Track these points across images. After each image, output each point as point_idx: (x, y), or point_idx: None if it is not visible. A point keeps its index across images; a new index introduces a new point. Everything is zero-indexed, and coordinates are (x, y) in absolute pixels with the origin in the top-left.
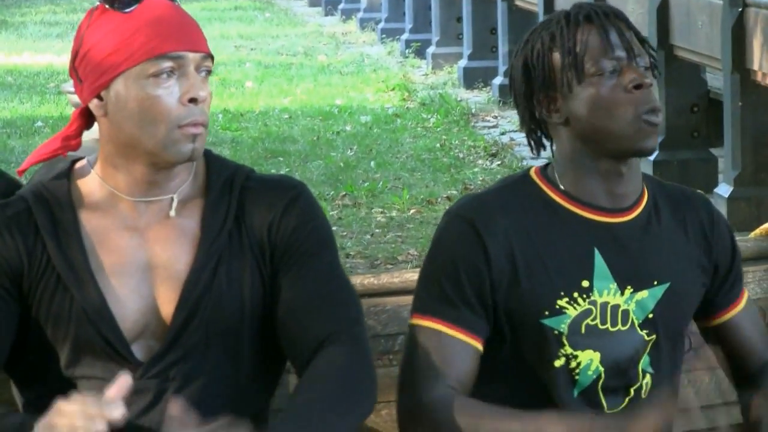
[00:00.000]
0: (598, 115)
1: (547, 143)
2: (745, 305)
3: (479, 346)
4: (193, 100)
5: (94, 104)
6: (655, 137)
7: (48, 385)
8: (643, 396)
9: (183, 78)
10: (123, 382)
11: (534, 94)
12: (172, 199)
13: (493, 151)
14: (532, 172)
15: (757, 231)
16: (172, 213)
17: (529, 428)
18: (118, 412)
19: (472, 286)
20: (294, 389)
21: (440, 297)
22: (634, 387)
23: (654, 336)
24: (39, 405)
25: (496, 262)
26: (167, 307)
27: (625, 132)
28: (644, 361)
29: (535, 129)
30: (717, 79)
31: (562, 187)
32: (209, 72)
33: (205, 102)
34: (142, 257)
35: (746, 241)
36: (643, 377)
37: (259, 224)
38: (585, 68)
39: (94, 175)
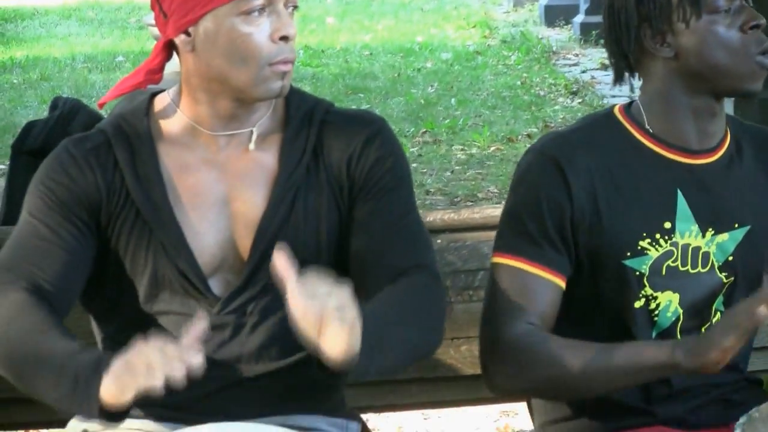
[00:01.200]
0: (713, 53)
1: (633, 82)
2: None
3: (561, 284)
4: (284, 38)
5: (180, 39)
6: (762, 79)
7: (125, 320)
8: None
9: (273, 15)
10: (201, 324)
11: (641, 26)
12: (251, 132)
13: (574, 89)
14: (617, 111)
15: None
16: (252, 146)
17: (623, 357)
18: (197, 359)
19: (555, 223)
20: (371, 301)
21: (522, 235)
22: (705, 326)
23: (732, 278)
24: (117, 339)
25: (579, 200)
26: (245, 241)
27: (737, 71)
28: (718, 301)
29: (626, 62)
30: None
31: (647, 126)
32: (295, 8)
33: (294, 39)
34: (220, 191)
35: None
36: (714, 316)
37: (338, 158)
38: (704, 4)
39: (175, 108)
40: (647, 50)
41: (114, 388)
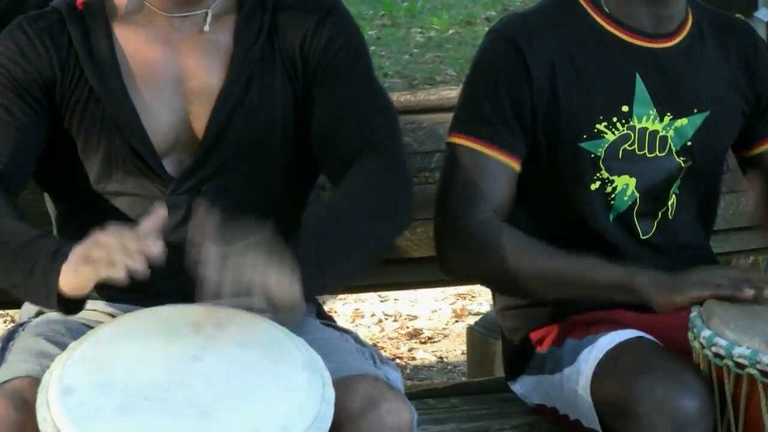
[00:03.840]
0: None
1: None
2: None
3: (516, 167)
4: None
5: None
6: None
7: (79, 200)
8: (669, 217)
9: None
10: (159, 213)
11: None
12: (206, 13)
13: None
14: None
15: None
16: (206, 28)
17: (579, 268)
18: (157, 248)
19: (513, 105)
20: (330, 196)
21: (479, 116)
22: (662, 210)
23: (690, 162)
24: (71, 220)
25: (537, 81)
26: (199, 121)
27: None
28: (675, 185)
29: None
30: None
31: (606, 9)
32: None
33: None
34: (174, 71)
35: None
36: (670, 199)
37: (292, 39)
38: None
39: None
40: None
41: (72, 279)
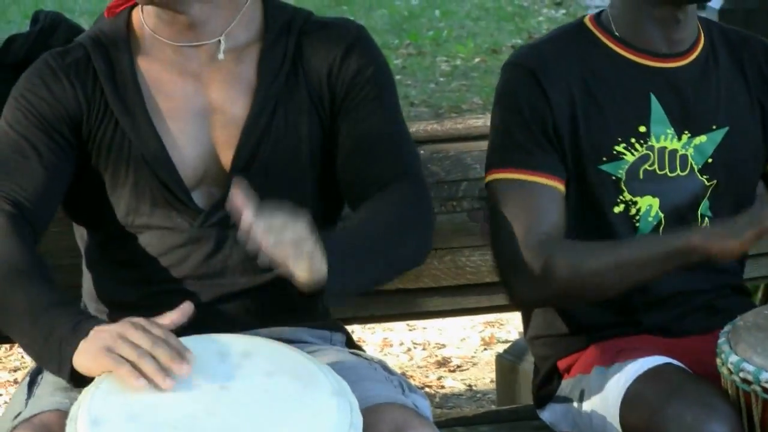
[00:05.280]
0: None
1: None
2: None
3: (560, 187)
4: None
5: None
6: None
7: (108, 234)
8: None
9: None
10: (185, 309)
11: None
12: (219, 42)
13: (558, 1)
14: (587, 20)
15: None
16: (220, 56)
17: (639, 248)
18: (186, 371)
19: (541, 130)
20: (360, 210)
21: (514, 146)
22: None
23: (715, 181)
24: (101, 253)
25: (558, 107)
26: (226, 153)
27: None
28: (703, 206)
29: None
30: None
31: (617, 33)
32: None
33: None
34: (199, 103)
35: None
36: (702, 221)
37: (318, 68)
38: None
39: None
40: None
41: (88, 362)
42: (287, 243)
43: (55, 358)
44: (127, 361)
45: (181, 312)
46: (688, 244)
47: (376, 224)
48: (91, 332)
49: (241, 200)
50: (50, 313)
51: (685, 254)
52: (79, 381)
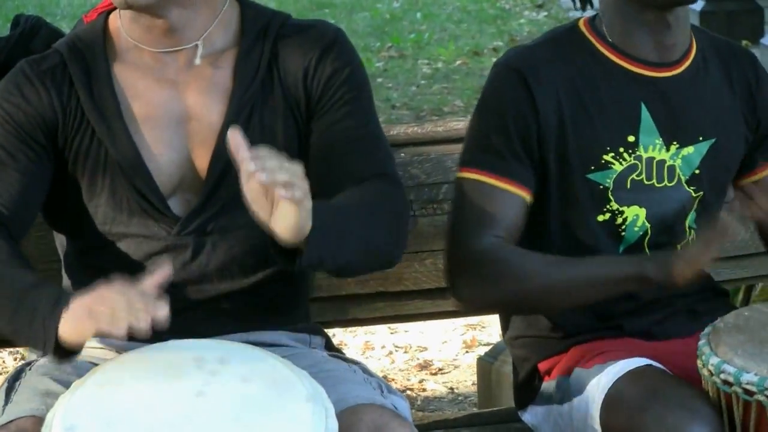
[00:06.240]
0: None
1: None
2: None
3: (527, 198)
4: None
5: None
6: None
7: (86, 242)
8: None
9: None
10: (164, 270)
11: None
12: (196, 46)
13: (539, 2)
14: (581, 24)
15: None
16: (197, 61)
17: (590, 270)
18: (163, 312)
19: (520, 137)
20: (344, 194)
21: (488, 149)
22: (681, 244)
23: (701, 192)
24: (80, 259)
25: (544, 113)
26: (202, 160)
27: None
28: (690, 218)
29: None
30: None
31: (610, 39)
32: None
33: None
34: (175, 109)
35: None
36: (690, 234)
37: (294, 72)
38: None
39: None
40: None
41: (72, 329)
42: (279, 183)
43: (40, 335)
44: (105, 315)
45: (160, 274)
46: (641, 272)
47: (353, 208)
48: (71, 303)
49: (237, 140)
50: (31, 295)
51: (637, 281)
52: (66, 354)
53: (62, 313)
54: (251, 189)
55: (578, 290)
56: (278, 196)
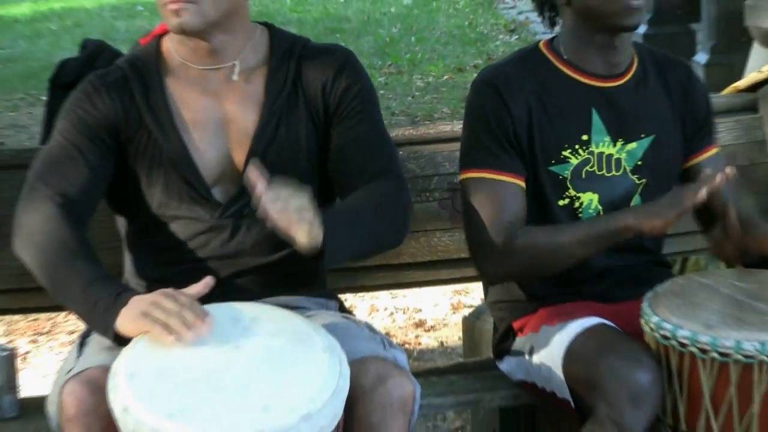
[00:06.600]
0: None
1: (558, 20)
2: (714, 154)
3: (522, 184)
4: None
5: None
6: (637, 16)
7: (144, 223)
8: None
9: None
10: (207, 282)
11: None
12: (234, 65)
13: (512, 28)
14: (541, 45)
15: (727, 90)
16: (235, 77)
17: (603, 227)
18: (206, 329)
19: (504, 135)
20: (355, 194)
21: (483, 150)
22: None
23: (644, 180)
24: (138, 238)
25: (517, 117)
26: (239, 157)
27: (612, 11)
28: (635, 201)
29: (546, 8)
30: None
31: (565, 57)
32: None
33: None
34: (216, 116)
35: (719, 97)
36: None
37: (314, 86)
38: None
39: (170, 47)
40: None
41: (128, 324)
42: (292, 210)
43: (101, 324)
44: (159, 322)
45: (204, 284)
46: (623, 223)
47: (364, 206)
48: (130, 301)
49: (255, 175)
50: (95, 286)
51: (621, 232)
52: (122, 341)
53: (120, 309)
54: (271, 217)
55: (576, 248)
56: (293, 219)
